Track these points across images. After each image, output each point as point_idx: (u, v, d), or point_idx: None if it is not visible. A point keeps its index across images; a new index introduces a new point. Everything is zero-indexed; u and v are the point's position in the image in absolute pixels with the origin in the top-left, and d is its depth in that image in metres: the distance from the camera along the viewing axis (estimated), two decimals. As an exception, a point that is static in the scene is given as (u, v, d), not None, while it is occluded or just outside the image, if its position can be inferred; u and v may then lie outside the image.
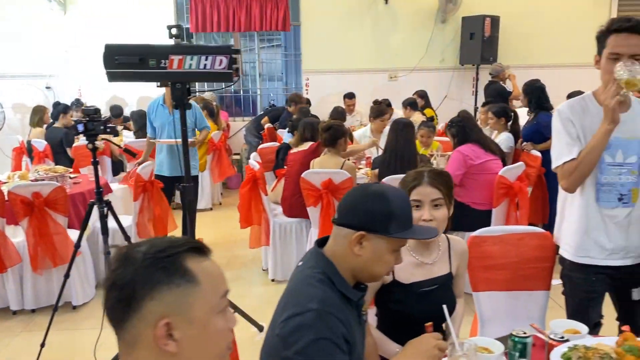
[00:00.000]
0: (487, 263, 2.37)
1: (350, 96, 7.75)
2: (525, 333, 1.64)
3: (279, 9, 7.99)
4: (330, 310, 1.33)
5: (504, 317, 2.38)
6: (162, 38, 7.19)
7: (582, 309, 2.19)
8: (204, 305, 0.99)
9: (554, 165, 2.17)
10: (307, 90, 8.40)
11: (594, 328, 2.21)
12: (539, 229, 2.42)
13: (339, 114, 6.48)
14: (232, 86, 9.54)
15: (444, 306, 1.65)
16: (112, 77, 2.69)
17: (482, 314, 2.39)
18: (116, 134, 5.80)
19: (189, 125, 4.58)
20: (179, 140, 4.42)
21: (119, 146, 5.67)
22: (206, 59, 2.72)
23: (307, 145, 4.31)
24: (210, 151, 6.69)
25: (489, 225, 3.89)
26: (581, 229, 2.15)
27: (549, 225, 4.61)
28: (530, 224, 4.78)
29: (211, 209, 6.87)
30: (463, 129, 3.95)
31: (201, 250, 1.04)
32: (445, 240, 2.01)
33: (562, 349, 1.54)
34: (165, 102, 4.63)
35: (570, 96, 4.65)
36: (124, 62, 2.65)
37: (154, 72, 2.68)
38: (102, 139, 3.57)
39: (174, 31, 2.82)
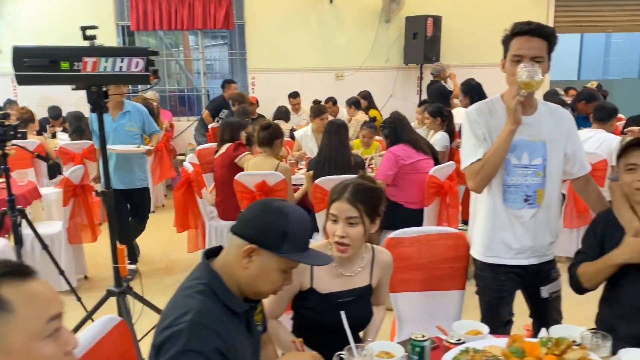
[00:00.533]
0: (403, 264, 2.39)
1: (294, 95, 7.74)
2: (423, 336, 1.66)
3: (221, 7, 7.89)
4: (205, 322, 1.31)
5: (421, 317, 2.42)
6: (105, 37, 6.95)
7: (493, 307, 2.25)
8: (23, 333, 0.94)
9: (462, 166, 2.21)
10: (253, 89, 8.34)
11: (505, 326, 2.27)
12: (453, 230, 2.46)
13: (282, 114, 6.47)
14: (177, 85, 9.40)
15: (342, 312, 1.65)
16: (22, 80, 2.58)
17: (399, 314, 2.42)
18: (25, 138, 5.56)
19: (137, 131, 4.47)
20: (128, 147, 4.32)
21: (40, 156, 5.40)
22: (122, 61, 2.63)
23: (225, 148, 4.27)
24: (151, 153, 6.54)
25: (421, 224, 3.95)
26: (489, 229, 2.20)
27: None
28: (464, 221, 4.91)
29: (153, 211, 6.72)
30: (395, 130, 3.99)
31: (22, 272, 0.98)
32: (370, 252, 2.00)
33: (454, 352, 1.57)
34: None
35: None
36: (34, 64, 2.54)
37: (66, 74, 2.58)
38: (13, 145, 3.42)
39: (87, 32, 2.71)
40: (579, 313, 2.27)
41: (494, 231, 2.19)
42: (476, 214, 2.28)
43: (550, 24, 8.58)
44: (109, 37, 7.94)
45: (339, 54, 8.37)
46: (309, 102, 7.92)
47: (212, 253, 1.52)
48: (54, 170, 6.32)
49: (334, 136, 3.91)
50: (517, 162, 2.16)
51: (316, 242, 1.98)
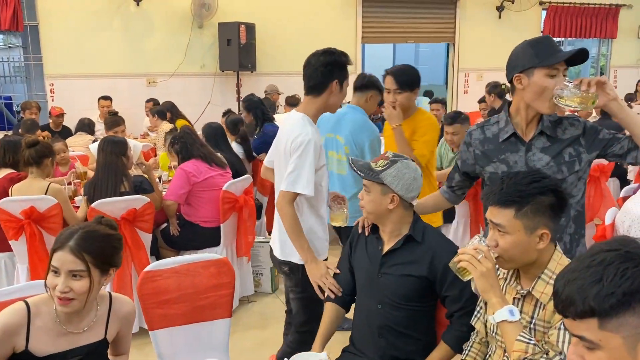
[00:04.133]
0: (162, 298, 2.21)
1: (105, 98, 7.17)
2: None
3: (8, 7, 7.00)
4: None
5: (185, 351, 2.27)
6: None
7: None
8: None
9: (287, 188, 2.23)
10: (52, 97, 7.53)
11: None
12: (216, 256, 2.34)
13: (85, 126, 5.89)
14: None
15: None
16: None
17: (161, 352, 2.24)
18: None
19: None
20: None
21: None
22: None
23: (4, 172, 3.70)
24: None
25: (219, 242, 3.81)
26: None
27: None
28: (270, 232, 4.89)
29: None
30: (185, 145, 3.79)
31: None
32: (106, 302, 1.78)
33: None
34: None
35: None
36: None
37: None
38: None
39: None
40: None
41: None
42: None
43: (359, 35, 9.07)
44: None
45: (150, 59, 7.93)
46: (120, 110, 7.42)
47: None
48: None
49: (108, 155, 3.53)
50: None
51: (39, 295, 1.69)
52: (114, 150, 3.50)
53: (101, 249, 1.63)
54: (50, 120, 6.74)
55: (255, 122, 4.85)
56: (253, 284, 4.16)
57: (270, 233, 4.72)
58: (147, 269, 2.22)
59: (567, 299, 1.02)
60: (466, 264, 1.55)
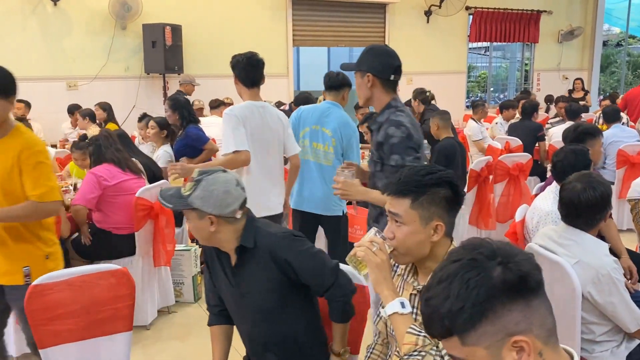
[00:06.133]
0: (54, 314, 2.06)
1: (19, 101, 6.75)
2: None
3: None
4: None
5: (81, 370, 2.11)
6: None
7: None
8: None
9: None
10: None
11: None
12: (114, 266, 2.20)
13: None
14: None
15: None
16: None
17: (52, 372, 2.07)
18: None
19: None
20: None
21: None
22: None
23: None
24: None
25: (134, 248, 3.63)
26: None
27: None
28: (192, 240, 4.74)
29: None
30: (99, 148, 3.62)
31: None
32: None
33: None
34: None
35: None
36: None
37: None
38: None
39: None
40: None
41: None
42: None
43: (290, 37, 9.02)
44: None
45: (69, 61, 7.58)
46: (39, 115, 7.04)
47: None
48: None
49: None
50: None
51: None
52: None
53: None
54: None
55: (181, 122, 4.66)
56: (174, 293, 4.01)
57: (192, 241, 4.62)
58: (36, 282, 2.05)
59: (426, 320, 0.98)
60: (362, 255, 1.53)
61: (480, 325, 0.91)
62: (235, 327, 2.06)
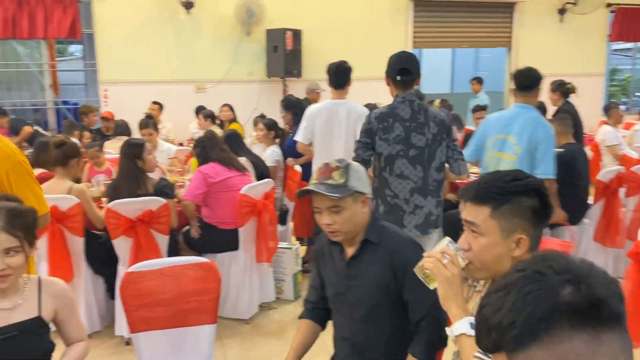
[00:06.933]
0: (144, 301, 2.16)
1: (154, 102, 7.38)
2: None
3: (67, 16, 7.35)
4: None
5: (168, 357, 2.20)
6: None
7: None
8: None
9: None
10: (105, 102, 7.82)
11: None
12: (203, 259, 2.26)
13: (122, 128, 6.06)
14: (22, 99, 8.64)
15: None
16: None
17: (142, 356, 2.17)
18: None
19: None
20: None
21: None
22: None
23: (37, 172, 3.82)
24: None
25: (237, 244, 3.75)
26: None
27: (315, 238, 4.66)
28: (297, 238, 4.80)
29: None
30: (205, 149, 3.83)
31: None
32: (36, 283, 1.78)
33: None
34: None
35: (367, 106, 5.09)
36: None
37: None
38: None
39: None
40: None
41: None
42: None
43: (410, 40, 8.86)
44: None
45: (199, 65, 8.09)
46: (169, 116, 7.61)
47: None
48: None
49: (129, 158, 3.57)
50: None
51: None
52: (129, 153, 3.54)
53: (29, 224, 1.69)
54: (102, 124, 7.00)
55: (294, 121, 4.77)
56: (275, 290, 4.08)
57: (297, 239, 4.69)
58: (130, 269, 2.17)
59: (476, 332, 0.85)
60: (430, 266, 1.40)
61: (530, 347, 0.76)
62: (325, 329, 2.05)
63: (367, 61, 8.46)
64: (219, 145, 3.87)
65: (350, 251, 1.88)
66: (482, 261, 1.37)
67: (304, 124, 3.97)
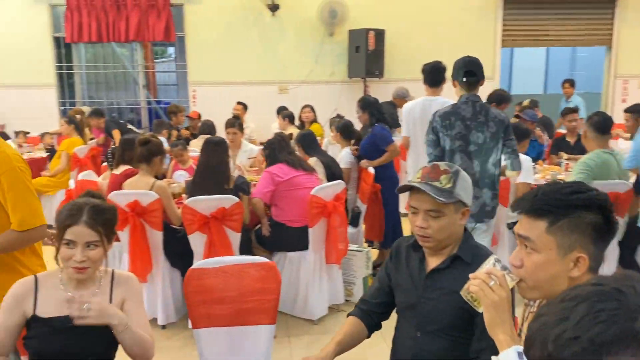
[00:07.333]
0: (206, 297, 2.21)
1: (239, 103, 7.61)
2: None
3: (161, 19, 7.75)
4: None
5: (227, 354, 2.24)
6: (41, 48, 6.86)
7: None
8: None
9: None
10: (194, 102, 8.17)
11: None
12: (263, 259, 2.28)
13: (208, 128, 6.29)
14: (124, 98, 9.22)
15: None
16: None
17: (202, 351, 2.23)
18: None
19: None
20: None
21: None
22: None
23: (122, 169, 4.05)
24: (74, 167, 6.35)
25: (307, 242, 3.77)
26: None
27: (386, 242, 4.58)
28: (367, 241, 4.74)
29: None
30: (273, 152, 3.94)
31: None
32: (110, 276, 1.88)
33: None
34: None
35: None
36: None
37: None
38: None
39: None
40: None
41: None
42: None
43: (499, 38, 8.51)
44: (44, 48, 7.80)
45: (282, 66, 8.24)
46: (251, 116, 7.81)
47: None
48: None
49: (211, 156, 3.72)
50: None
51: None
52: (209, 150, 3.69)
53: (109, 220, 1.80)
54: (189, 123, 7.33)
55: (370, 121, 4.73)
56: (344, 293, 4.06)
57: (366, 242, 4.65)
58: (194, 266, 2.24)
59: (528, 339, 0.77)
60: (476, 289, 1.29)
61: None
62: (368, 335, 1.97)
63: (453, 61, 8.23)
64: (286, 148, 3.95)
65: (433, 262, 1.79)
66: (535, 280, 1.26)
67: (403, 119, 4.44)
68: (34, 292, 1.76)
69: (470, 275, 1.36)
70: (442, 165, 1.76)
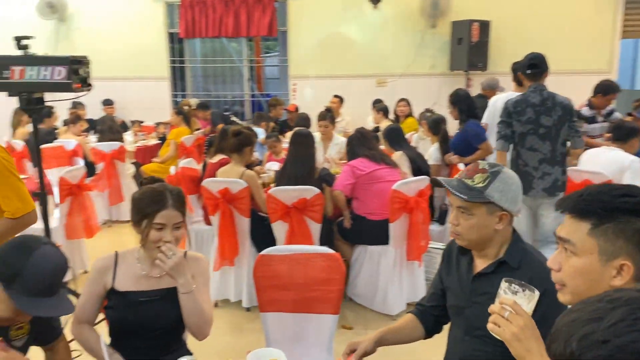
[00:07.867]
0: (274, 282, 2.30)
1: (335, 96, 7.71)
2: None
3: (265, 15, 8.04)
4: None
5: (291, 339, 2.31)
6: (157, 43, 7.37)
7: None
8: None
9: None
10: (294, 95, 8.39)
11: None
12: (329, 250, 2.31)
13: (303, 121, 6.43)
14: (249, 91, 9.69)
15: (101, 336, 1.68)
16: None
17: (268, 335, 2.32)
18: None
19: None
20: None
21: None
22: (45, 70, 2.79)
23: (217, 158, 4.30)
24: (182, 155, 6.80)
25: (387, 235, 3.76)
26: None
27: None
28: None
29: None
30: (352, 147, 4.01)
31: None
32: (182, 254, 1.97)
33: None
34: None
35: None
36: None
37: (-5, 82, 2.78)
38: None
39: (22, 42, 2.89)
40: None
41: None
42: None
43: (618, 29, 7.84)
44: (160, 43, 8.41)
45: (381, 60, 8.21)
46: (348, 110, 7.88)
47: None
48: (89, 170, 6.78)
49: (298, 147, 3.85)
50: None
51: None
52: (296, 142, 3.81)
53: (184, 204, 1.95)
54: (287, 116, 7.55)
55: (460, 117, 4.60)
56: (425, 290, 3.99)
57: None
58: (263, 252, 2.33)
59: (553, 332, 0.74)
60: (491, 327, 1.23)
61: None
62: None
63: (566, 53, 7.73)
64: (366, 144, 3.96)
65: (480, 265, 1.74)
66: (574, 286, 1.18)
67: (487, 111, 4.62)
68: (114, 266, 1.93)
69: (490, 309, 1.29)
70: (484, 164, 1.70)
